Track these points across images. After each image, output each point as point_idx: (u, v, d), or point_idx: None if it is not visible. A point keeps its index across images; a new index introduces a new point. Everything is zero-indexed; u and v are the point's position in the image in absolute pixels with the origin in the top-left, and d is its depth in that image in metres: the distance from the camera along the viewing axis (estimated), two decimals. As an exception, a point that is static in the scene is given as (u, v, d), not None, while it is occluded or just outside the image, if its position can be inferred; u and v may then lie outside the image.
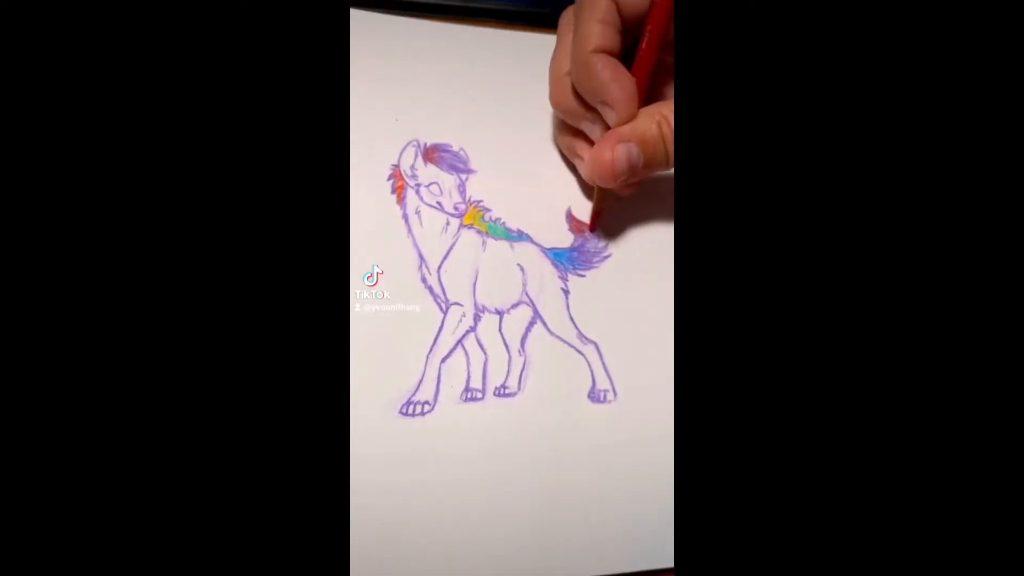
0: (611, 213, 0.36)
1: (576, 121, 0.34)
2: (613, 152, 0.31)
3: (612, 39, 0.31)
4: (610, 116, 0.32)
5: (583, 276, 0.35)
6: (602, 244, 0.36)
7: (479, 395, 0.32)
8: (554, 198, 0.37)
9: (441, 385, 0.32)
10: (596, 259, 0.35)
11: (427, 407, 0.31)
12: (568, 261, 0.35)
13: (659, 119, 0.32)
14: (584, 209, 0.36)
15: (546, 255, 0.35)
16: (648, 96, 0.33)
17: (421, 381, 0.32)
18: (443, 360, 0.32)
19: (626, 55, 0.32)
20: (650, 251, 0.35)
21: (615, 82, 0.31)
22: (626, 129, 0.32)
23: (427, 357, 0.32)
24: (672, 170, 0.33)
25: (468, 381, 0.32)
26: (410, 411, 0.31)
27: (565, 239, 0.36)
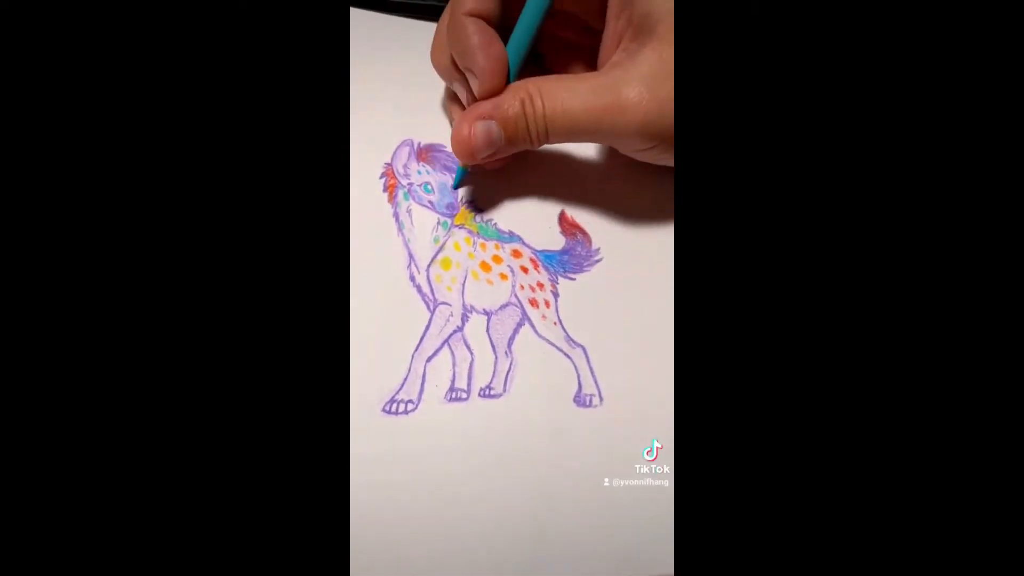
0: (603, 217, 0.36)
1: (448, 81, 0.34)
2: (472, 128, 0.31)
3: (488, 4, 0.30)
4: (475, 85, 0.31)
5: (573, 279, 0.35)
6: (594, 248, 0.36)
7: (464, 395, 0.32)
8: (546, 200, 0.36)
9: (426, 384, 0.32)
10: (587, 263, 0.35)
11: (411, 406, 0.31)
12: (559, 264, 0.35)
13: (524, 96, 0.30)
14: (576, 212, 0.36)
15: (537, 257, 0.35)
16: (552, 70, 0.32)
17: (406, 380, 0.32)
18: (428, 359, 0.32)
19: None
20: (642, 257, 0.35)
21: (482, 50, 0.30)
22: (487, 105, 0.31)
23: (412, 356, 0.32)
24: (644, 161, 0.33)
25: (453, 381, 0.32)
26: (393, 409, 0.31)
27: (556, 242, 0.36)
